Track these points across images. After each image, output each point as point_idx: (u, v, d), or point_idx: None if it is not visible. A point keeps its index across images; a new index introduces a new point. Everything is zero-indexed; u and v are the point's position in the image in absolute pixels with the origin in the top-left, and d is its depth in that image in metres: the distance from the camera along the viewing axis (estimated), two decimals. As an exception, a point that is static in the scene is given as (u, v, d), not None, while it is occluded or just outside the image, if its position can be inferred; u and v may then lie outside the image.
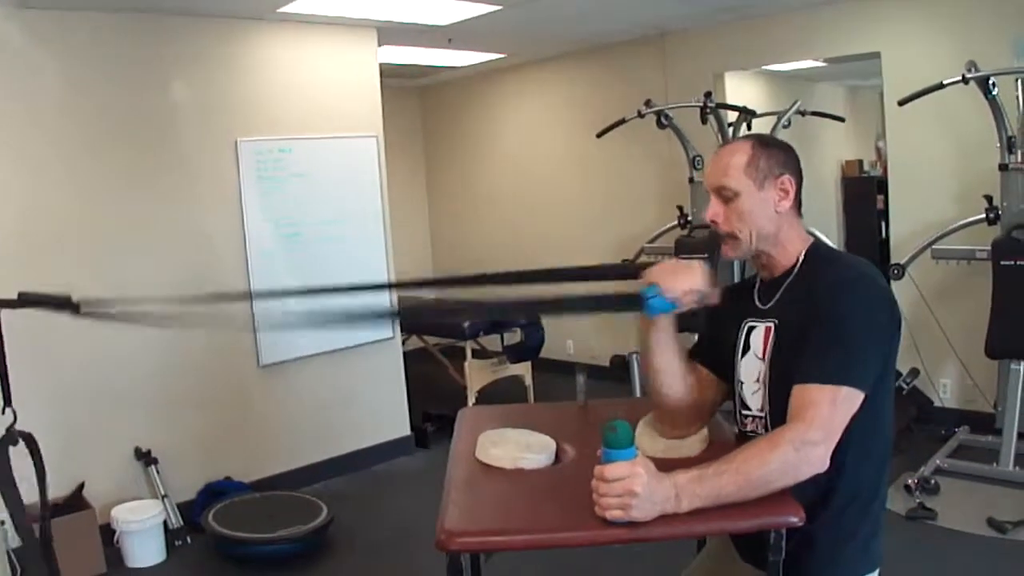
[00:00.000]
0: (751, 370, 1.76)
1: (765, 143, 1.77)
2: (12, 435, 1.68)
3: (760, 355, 1.74)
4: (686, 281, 1.62)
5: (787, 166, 1.74)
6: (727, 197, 1.73)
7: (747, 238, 1.73)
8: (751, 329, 1.78)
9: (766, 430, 1.71)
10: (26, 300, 1.59)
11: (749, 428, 1.78)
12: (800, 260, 1.75)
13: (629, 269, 1.70)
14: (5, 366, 1.69)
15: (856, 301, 1.62)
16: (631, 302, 1.67)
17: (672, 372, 1.79)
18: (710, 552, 2.01)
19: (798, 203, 1.77)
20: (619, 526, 1.45)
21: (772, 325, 1.73)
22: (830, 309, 1.61)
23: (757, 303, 1.80)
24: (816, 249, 1.77)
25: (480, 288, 2.12)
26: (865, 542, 1.69)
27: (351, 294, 1.77)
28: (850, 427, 1.55)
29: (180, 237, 4.49)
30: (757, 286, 1.84)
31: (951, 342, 4.90)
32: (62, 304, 1.58)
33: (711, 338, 1.90)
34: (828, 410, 1.52)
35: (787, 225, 1.75)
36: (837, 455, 1.53)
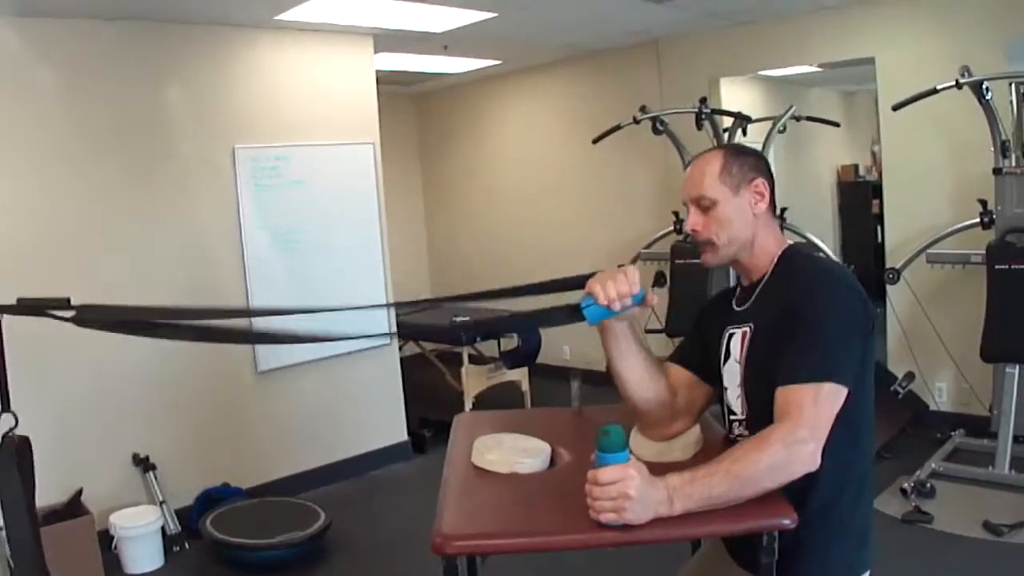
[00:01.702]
0: (733, 375, 1.79)
1: (735, 150, 1.83)
2: (13, 440, 1.69)
3: (739, 359, 1.77)
4: (615, 286, 1.62)
5: (759, 170, 1.79)
6: (706, 206, 1.77)
7: (725, 244, 1.77)
8: (731, 336, 1.81)
9: (751, 433, 1.72)
10: (25, 306, 1.60)
11: (736, 432, 1.81)
12: (774, 263, 1.78)
13: (582, 281, 1.71)
14: (4, 370, 1.69)
15: (829, 299, 1.65)
16: (570, 313, 1.67)
17: (637, 377, 1.81)
18: (703, 555, 2.03)
19: (773, 207, 1.81)
20: (613, 529, 1.46)
21: (748, 329, 1.76)
22: (804, 309, 1.63)
23: (734, 308, 1.84)
24: (790, 252, 1.80)
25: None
26: (855, 542, 1.71)
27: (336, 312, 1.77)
28: (832, 427, 1.56)
29: (177, 244, 4.50)
30: (736, 292, 1.88)
31: (946, 346, 4.91)
32: (62, 309, 1.58)
33: (696, 343, 1.93)
34: (813, 408, 1.54)
35: (763, 228, 1.79)
36: (824, 455, 1.54)
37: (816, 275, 1.71)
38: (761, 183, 1.77)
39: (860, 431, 1.69)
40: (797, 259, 1.79)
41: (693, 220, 1.79)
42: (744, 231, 1.76)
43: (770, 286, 1.77)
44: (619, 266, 1.73)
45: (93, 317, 1.61)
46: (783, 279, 1.75)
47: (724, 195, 1.75)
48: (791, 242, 1.83)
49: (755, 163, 1.80)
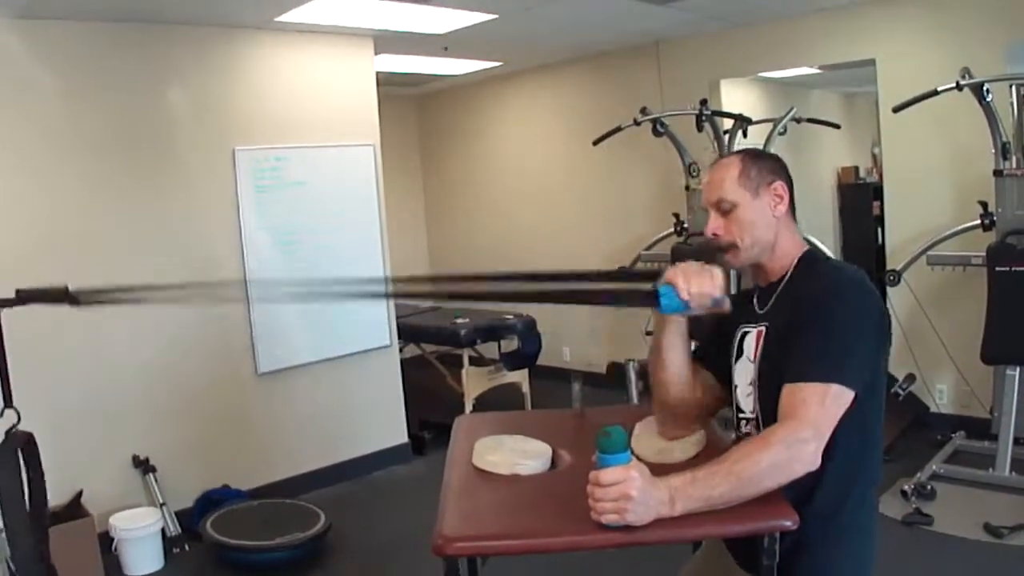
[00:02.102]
0: (744, 373, 1.80)
1: (754, 155, 1.86)
2: (17, 436, 1.69)
3: (752, 359, 1.78)
4: (700, 284, 1.63)
5: (777, 173, 1.81)
6: (725, 210, 1.79)
7: (748, 246, 1.78)
8: (745, 334, 1.82)
9: (759, 431, 1.73)
10: (24, 297, 1.60)
11: (744, 431, 1.81)
12: (793, 266, 1.79)
13: (648, 274, 1.72)
14: (6, 366, 1.70)
15: (846, 303, 1.65)
16: (646, 298, 1.70)
17: (678, 370, 1.85)
18: (704, 556, 2.03)
19: (793, 208, 1.82)
20: (615, 530, 1.46)
21: (763, 329, 1.77)
22: (820, 311, 1.64)
23: (756, 308, 1.84)
24: (809, 255, 1.82)
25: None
26: (857, 545, 1.71)
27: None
28: (840, 430, 1.56)
29: (177, 246, 4.49)
30: (756, 293, 1.88)
31: (947, 348, 4.91)
32: (60, 297, 1.59)
33: (714, 344, 1.93)
34: (817, 408, 1.54)
35: (784, 231, 1.80)
36: (828, 458, 1.54)
37: (837, 280, 1.71)
38: (780, 186, 1.79)
39: (870, 438, 1.70)
40: (817, 263, 1.80)
41: (714, 224, 1.81)
42: (766, 233, 1.78)
43: (789, 288, 1.78)
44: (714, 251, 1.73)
45: (90, 299, 1.62)
46: (803, 282, 1.76)
47: (743, 198, 1.77)
48: (808, 245, 1.84)
49: (773, 166, 1.82)
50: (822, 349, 1.59)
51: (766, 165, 1.81)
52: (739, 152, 1.89)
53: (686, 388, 1.86)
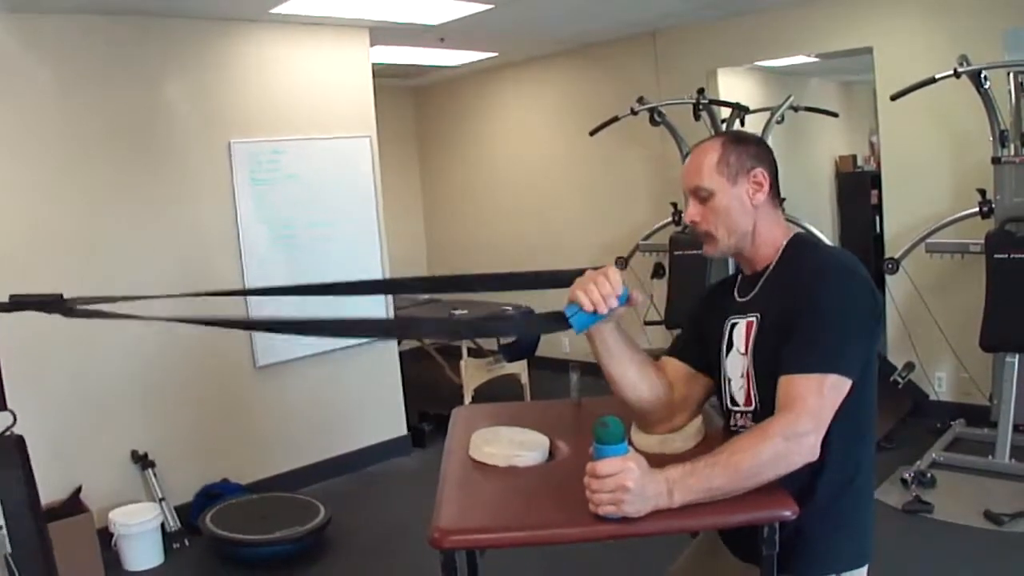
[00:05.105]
0: (736, 366, 1.77)
1: (735, 139, 1.80)
2: (11, 437, 1.68)
3: (743, 350, 1.75)
4: (598, 290, 1.60)
5: (759, 159, 1.76)
6: (703, 197, 1.75)
7: (724, 236, 1.75)
8: (733, 326, 1.78)
9: (755, 424, 1.71)
10: (17, 303, 1.58)
11: (739, 424, 1.78)
12: (780, 252, 1.76)
13: (572, 277, 1.68)
14: (-1, 368, 1.69)
15: (837, 289, 1.62)
16: (557, 321, 1.66)
17: (630, 378, 1.79)
18: (697, 548, 2.01)
19: (776, 195, 1.78)
20: (612, 522, 1.45)
21: (754, 319, 1.74)
22: (811, 298, 1.61)
23: (737, 298, 1.81)
24: (796, 241, 1.78)
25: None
26: (856, 535, 1.69)
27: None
28: (836, 419, 1.54)
29: (174, 240, 4.48)
30: (737, 282, 1.85)
31: (946, 335, 4.90)
32: (53, 305, 1.57)
33: (694, 336, 1.91)
34: (816, 399, 1.52)
35: (765, 218, 1.76)
36: (826, 448, 1.53)
37: (824, 265, 1.68)
38: (760, 173, 1.74)
39: (864, 425, 1.68)
40: (804, 249, 1.76)
41: (692, 211, 1.78)
42: (743, 222, 1.74)
43: (776, 276, 1.74)
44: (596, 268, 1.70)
45: (83, 310, 1.60)
46: (790, 269, 1.72)
47: (721, 186, 1.73)
48: (799, 230, 1.81)
49: (756, 152, 1.77)
50: (817, 338, 1.57)
51: (747, 151, 1.75)
52: (720, 136, 1.84)
53: (645, 391, 1.79)
